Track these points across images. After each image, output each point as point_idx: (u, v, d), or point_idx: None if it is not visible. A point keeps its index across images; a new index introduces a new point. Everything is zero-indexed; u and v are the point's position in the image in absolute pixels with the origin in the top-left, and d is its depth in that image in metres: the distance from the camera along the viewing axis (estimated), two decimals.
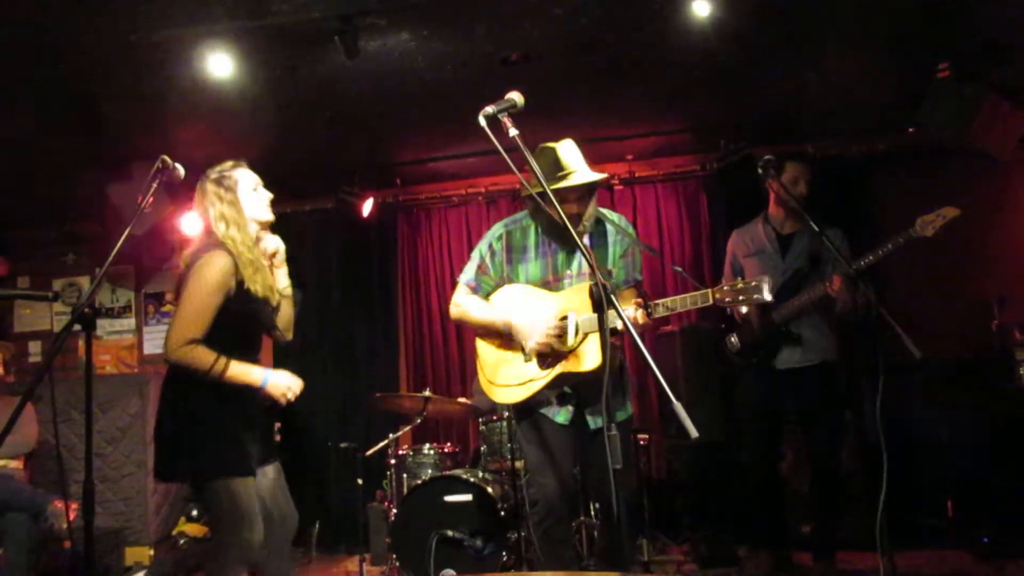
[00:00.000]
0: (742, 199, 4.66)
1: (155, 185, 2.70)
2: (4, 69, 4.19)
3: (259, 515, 2.75)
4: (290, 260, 3.11)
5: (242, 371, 2.76)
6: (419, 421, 4.82)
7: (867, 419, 4.99)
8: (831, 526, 4.15)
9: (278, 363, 5.61)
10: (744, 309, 4.03)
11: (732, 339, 4.21)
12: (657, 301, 2.81)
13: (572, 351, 2.91)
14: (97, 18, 3.80)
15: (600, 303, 2.08)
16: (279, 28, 3.96)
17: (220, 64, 4.19)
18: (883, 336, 3.36)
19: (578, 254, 3.05)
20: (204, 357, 2.69)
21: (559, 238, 3.08)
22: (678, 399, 1.87)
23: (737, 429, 4.48)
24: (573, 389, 3.04)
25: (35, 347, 6.89)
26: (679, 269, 3.45)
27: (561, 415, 3.06)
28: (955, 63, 4.65)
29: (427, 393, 4.74)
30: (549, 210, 2.74)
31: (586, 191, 2.97)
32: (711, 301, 2.66)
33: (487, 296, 3.20)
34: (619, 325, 2.31)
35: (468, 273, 3.25)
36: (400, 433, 4.91)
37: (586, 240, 3.08)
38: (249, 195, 2.92)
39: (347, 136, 5.48)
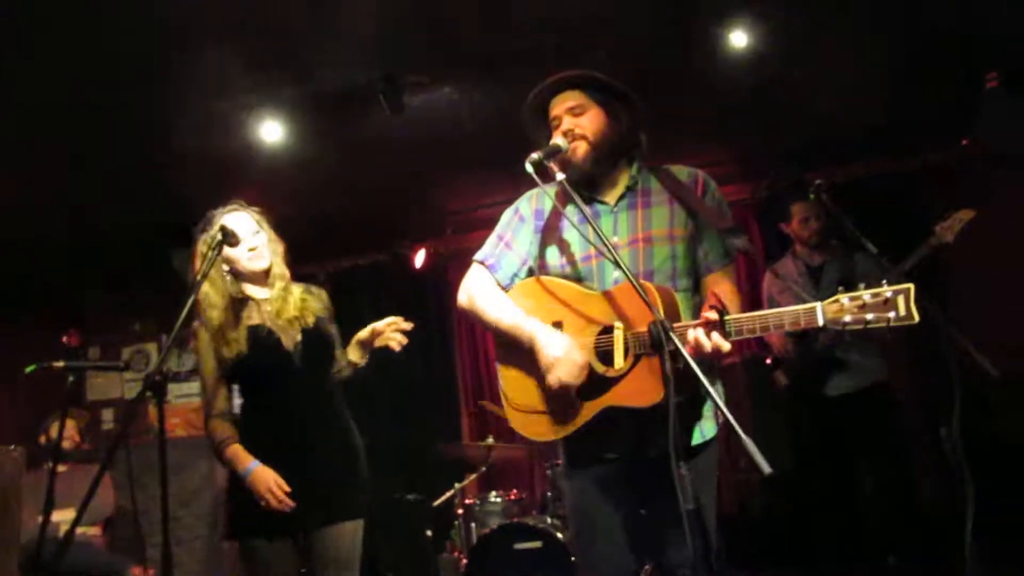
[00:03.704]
0: None
1: (215, 252, 2.77)
2: (75, 138, 4.35)
3: None
4: (350, 313, 3.14)
5: (233, 458, 2.71)
6: (484, 469, 4.80)
7: (946, 442, 4.81)
8: (915, 556, 3.99)
9: None
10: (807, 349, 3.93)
11: (778, 375, 4.16)
12: (737, 316, 1.92)
13: (623, 376, 2.07)
14: (160, 89, 3.99)
15: (659, 342, 1.72)
16: (325, 93, 4.09)
17: (271, 131, 4.34)
18: (956, 355, 3.25)
19: (625, 212, 2.29)
20: (214, 434, 2.76)
21: (595, 188, 2.35)
22: (745, 433, 1.68)
23: (805, 462, 4.38)
24: (628, 427, 2.14)
25: (108, 414, 7.06)
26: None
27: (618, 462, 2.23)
28: (1003, 71, 4.57)
29: (490, 441, 4.72)
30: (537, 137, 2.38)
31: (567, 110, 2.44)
32: (820, 322, 1.80)
33: (511, 281, 2.43)
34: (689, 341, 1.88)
35: (485, 249, 2.48)
36: (466, 482, 4.90)
37: (627, 200, 2.32)
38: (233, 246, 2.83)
39: (397, 189, 5.57)
